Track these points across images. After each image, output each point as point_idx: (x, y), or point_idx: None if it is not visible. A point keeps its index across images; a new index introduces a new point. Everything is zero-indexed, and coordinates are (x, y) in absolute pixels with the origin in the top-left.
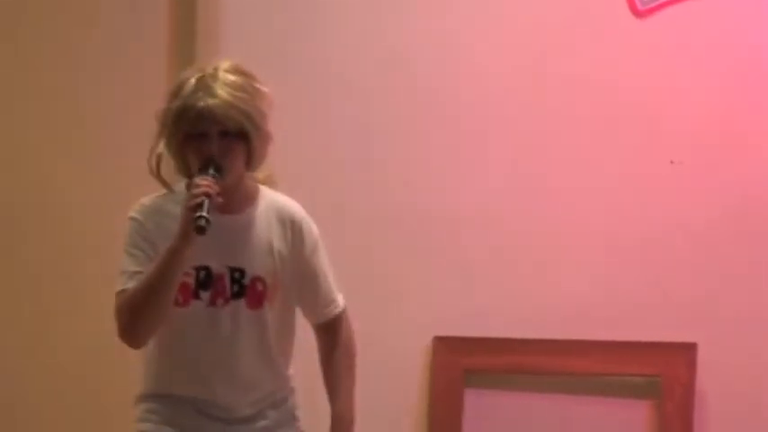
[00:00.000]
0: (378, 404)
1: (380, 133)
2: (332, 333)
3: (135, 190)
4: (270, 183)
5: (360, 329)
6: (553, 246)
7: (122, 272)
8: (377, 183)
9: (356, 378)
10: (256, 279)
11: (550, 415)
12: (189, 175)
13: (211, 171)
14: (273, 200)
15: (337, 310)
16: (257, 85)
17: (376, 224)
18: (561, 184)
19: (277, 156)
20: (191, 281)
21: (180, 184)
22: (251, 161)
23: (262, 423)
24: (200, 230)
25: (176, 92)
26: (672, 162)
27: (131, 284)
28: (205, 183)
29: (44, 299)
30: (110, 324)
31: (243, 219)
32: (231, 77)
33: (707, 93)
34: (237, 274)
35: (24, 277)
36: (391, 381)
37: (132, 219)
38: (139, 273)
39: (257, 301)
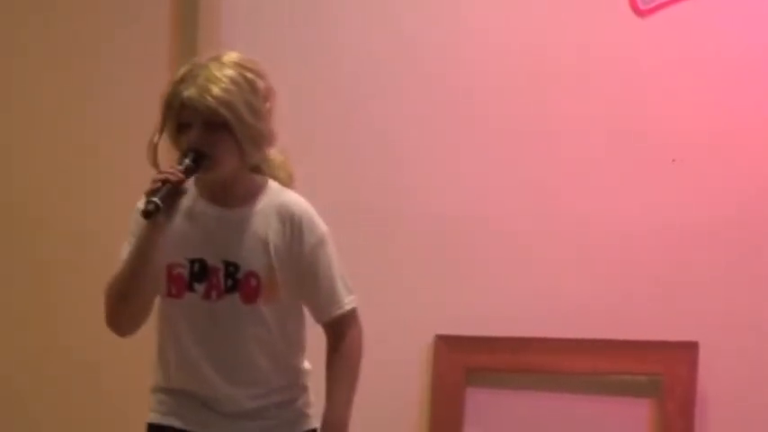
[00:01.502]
0: (379, 402)
1: (383, 131)
2: (335, 334)
3: (136, 183)
4: (288, 181)
5: (363, 327)
6: (555, 244)
7: (119, 261)
8: (380, 182)
9: (356, 383)
10: (250, 274)
11: (551, 413)
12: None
13: (186, 161)
14: (278, 196)
15: (340, 311)
16: (252, 78)
17: (379, 223)
18: (563, 182)
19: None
20: (185, 272)
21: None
22: (242, 155)
23: (267, 422)
24: (147, 215)
25: (170, 80)
26: (674, 160)
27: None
28: (169, 170)
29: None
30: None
31: (241, 213)
32: (222, 70)
33: (708, 91)
34: (231, 269)
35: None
36: (393, 379)
37: (136, 209)
38: None
39: (251, 295)
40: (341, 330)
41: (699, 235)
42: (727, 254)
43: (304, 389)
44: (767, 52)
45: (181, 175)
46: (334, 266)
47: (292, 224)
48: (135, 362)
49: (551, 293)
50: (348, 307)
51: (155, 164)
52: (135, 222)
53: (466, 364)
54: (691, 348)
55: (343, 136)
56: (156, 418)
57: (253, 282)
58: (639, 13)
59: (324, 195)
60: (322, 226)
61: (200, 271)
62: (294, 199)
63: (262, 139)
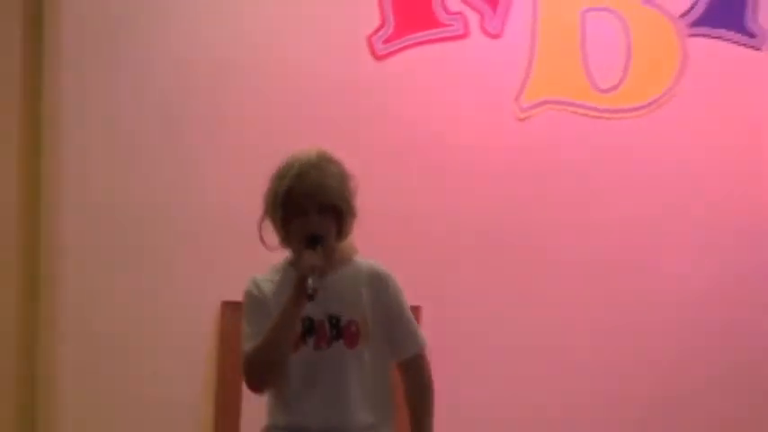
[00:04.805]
0: (175, 357)
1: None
2: (413, 372)
3: None
4: (349, 246)
5: (168, 295)
6: None
7: (244, 337)
8: (172, 178)
9: (432, 414)
10: (350, 322)
11: None
12: (289, 245)
13: (314, 246)
14: (362, 262)
15: (418, 349)
16: (346, 171)
17: (165, 196)
18: None
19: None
20: (298, 330)
21: (283, 260)
22: (341, 232)
23: None
24: (311, 298)
25: (282, 175)
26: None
27: (250, 345)
28: (311, 259)
29: None
30: None
31: (338, 276)
32: (327, 165)
33: (434, 119)
34: (334, 320)
35: None
36: (187, 336)
37: (248, 293)
38: (257, 334)
39: (353, 340)
40: (420, 366)
41: (423, 217)
42: (449, 232)
43: (392, 420)
44: (482, 89)
45: (322, 260)
46: (409, 312)
47: (379, 280)
48: None
49: None
50: (425, 345)
51: (263, 241)
52: (254, 306)
53: None
54: (415, 312)
55: (148, 131)
56: None
57: (353, 328)
58: (378, 57)
59: (137, 178)
60: (397, 281)
61: (309, 326)
62: (375, 263)
63: (354, 218)
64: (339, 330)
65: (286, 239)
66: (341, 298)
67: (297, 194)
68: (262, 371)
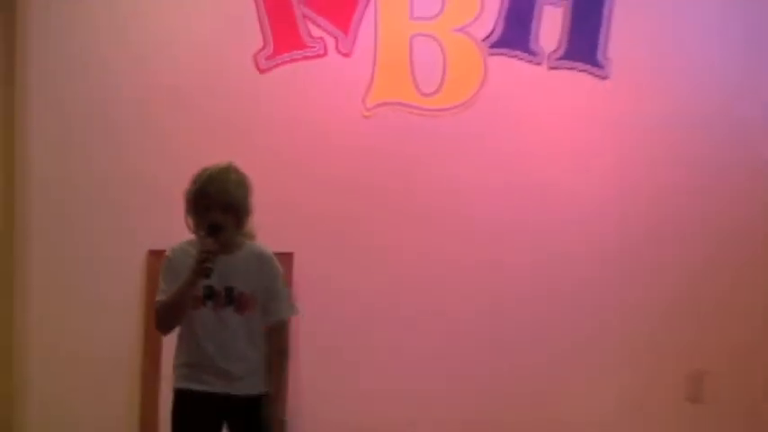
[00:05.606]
0: (109, 295)
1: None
2: (274, 336)
3: None
4: (253, 237)
5: (98, 242)
6: None
7: (159, 290)
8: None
9: (287, 370)
10: (240, 294)
11: None
12: (198, 232)
13: (214, 234)
14: (253, 246)
15: (280, 318)
16: (246, 180)
17: (99, 155)
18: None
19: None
20: (200, 294)
21: (197, 237)
22: (239, 225)
23: (244, 382)
24: (207, 276)
25: (198, 179)
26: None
27: (162, 298)
28: (210, 244)
29: None
30: None
31: (234, 257)
32: (229, 175)
33: (304, 117)
34: (229, 290)
35: None
36: (119, 278)
37: (167, 257)
38: (167, 291)
39: (242, 308)
40: (280, 331)
41: (297, 187)
42: (320, 185)
43: (261, 365)
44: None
45: (217, 247)
46: (284, 290)
47: (263, 261)
48: None
49: None
50: (286, 317)
51: (193, 231)
52: (169, 267)
53: None
54: (288, 257)
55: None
56: (182, 384)
57: (243, 299)
58: (261, 70)
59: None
60: (278, 263)
61: (209, 293)
62: (264, 247)
63: (250, 216)
64: (232, 299)
65: (196, 227)
66: (236, 274)
67: (206, 194)
68: (164, 319)
